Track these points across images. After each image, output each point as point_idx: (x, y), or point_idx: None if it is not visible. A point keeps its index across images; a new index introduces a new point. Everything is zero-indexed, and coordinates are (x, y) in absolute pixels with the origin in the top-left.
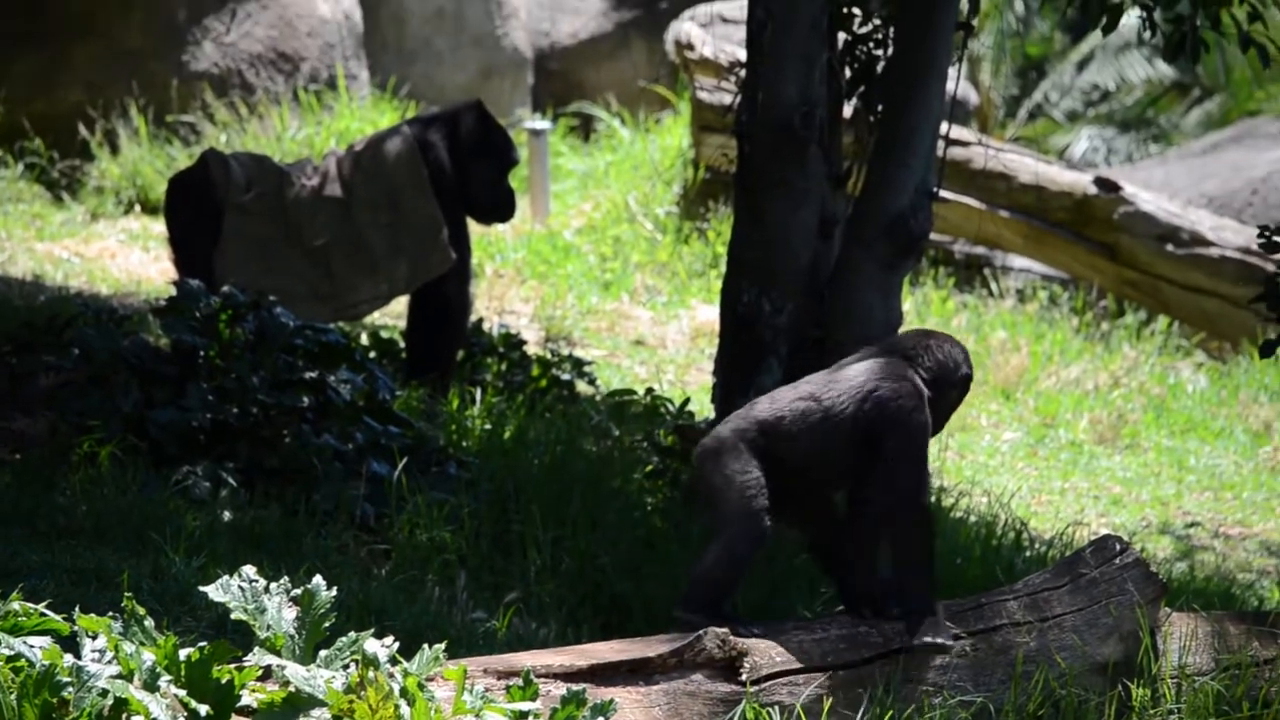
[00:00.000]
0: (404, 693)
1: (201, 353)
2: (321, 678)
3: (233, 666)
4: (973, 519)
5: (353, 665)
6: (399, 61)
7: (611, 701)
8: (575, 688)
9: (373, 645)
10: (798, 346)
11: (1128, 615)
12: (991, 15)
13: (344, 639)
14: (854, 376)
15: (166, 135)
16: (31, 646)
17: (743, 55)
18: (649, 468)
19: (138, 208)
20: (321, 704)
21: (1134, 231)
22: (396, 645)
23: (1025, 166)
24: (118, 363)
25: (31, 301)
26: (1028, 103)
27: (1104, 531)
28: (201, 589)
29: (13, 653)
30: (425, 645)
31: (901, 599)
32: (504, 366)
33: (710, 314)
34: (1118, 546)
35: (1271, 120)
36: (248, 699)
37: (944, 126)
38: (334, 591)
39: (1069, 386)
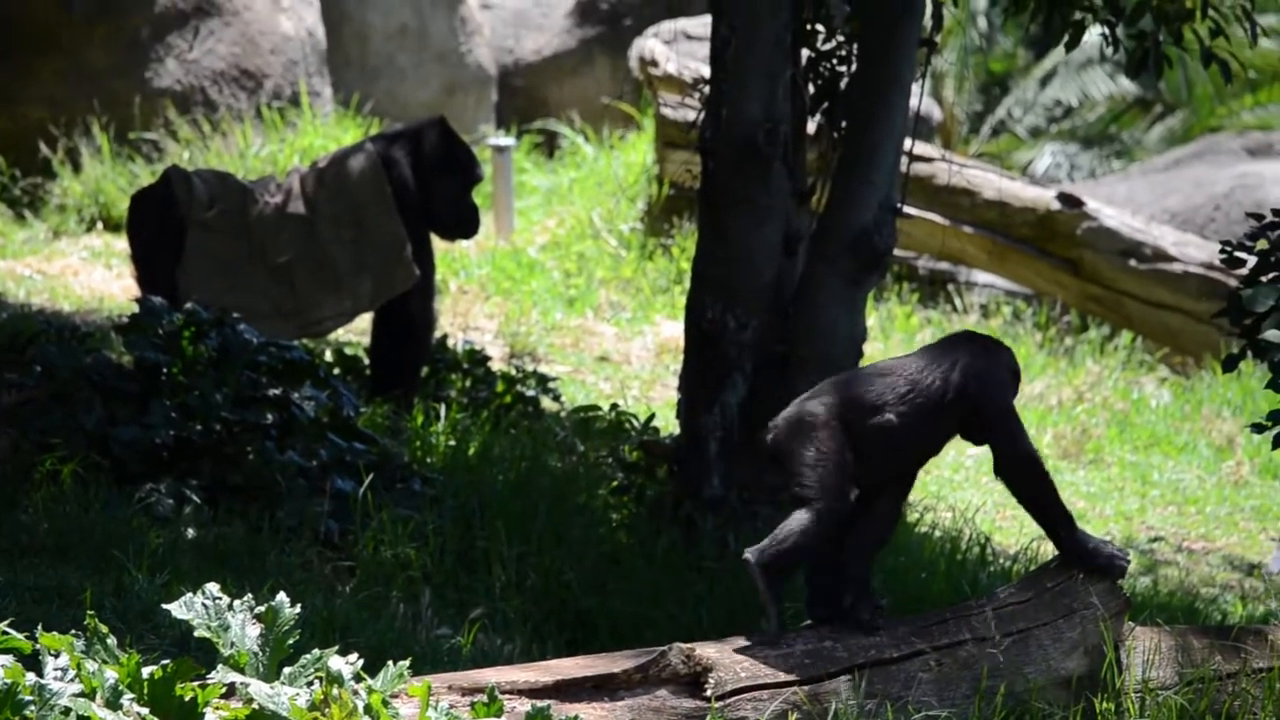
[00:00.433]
0: (368, 710)
1: (164, 370)
2: (285, 695)
3: (196, 684)
4: (937, 534)
5: (317, 682)
6: (362, 78)
7: (576, 717)
8: (540, 704)
9: (337, 662)
10: (762, 362)
11: (1092, 630)
12: (955, 32)
13: (308, 656)
14: (932, 352)
15: (129, 152)
16: None
17: (707, 72)
18: (614, 484)
19: (100, 225)
20: None
21: (1097, 247)
22: (361, 662)
23: (989, 182)
24: (80, 380)
25: None
26: (991, 119)
27: None
28: (165, 606)
29: None
30: (390, 662)
31: (1058, 541)
32: (469, 383)
33: (675, 330)
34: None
35: (1234, 136)
36: (211, 717)
37: (907, 143)
38: (298, 608)
39: (1033, 401)
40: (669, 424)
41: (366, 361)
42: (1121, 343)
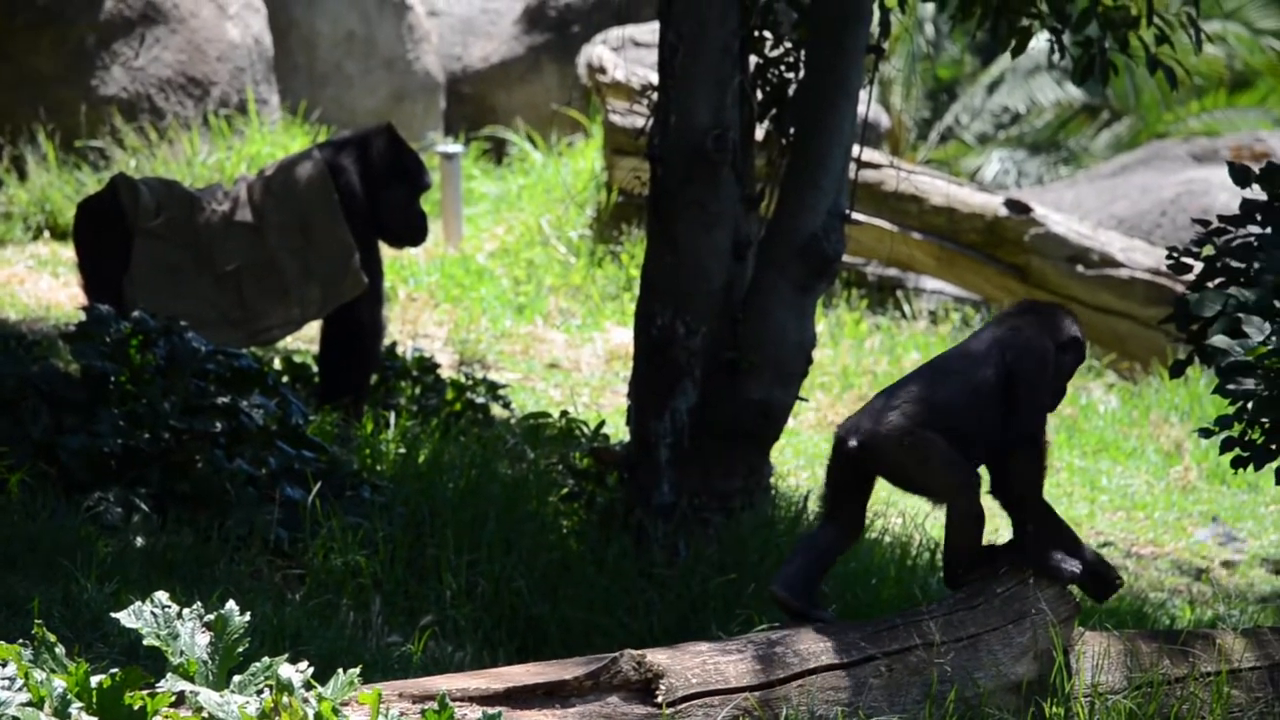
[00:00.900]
0: (319, 718)
1: (112, 378)
2: (235, 703)
3: (145, 693)
4: (888, 539)
5: (267, 691)
6: (310, 85)
7: None
8: (491, 711)
9: (287, 670)
10: (712, 369)
11: (1042, 635)
12: (902, 39)
13: (258, 664)
14: (980, 343)
15: (75, 160)
16: None
17: (655, 78)
18: (564, 491)
19: (46, 233)
20: None
21: (1045, 253)
22: (311, 670)
23: (937, 189)
24: (27, 389)
25: None
26: (939, 125)
27: None
28: (113, 615)
29: None
30: (340, 670)
31: (1019, 532)
32: (418, 390)
33: (624, 337)
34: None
35: (1180, 142)
36: None
37: (856, 149)
38: (247, 617)
39: None
40: (619, 431)
41: (316, 369)
42: None
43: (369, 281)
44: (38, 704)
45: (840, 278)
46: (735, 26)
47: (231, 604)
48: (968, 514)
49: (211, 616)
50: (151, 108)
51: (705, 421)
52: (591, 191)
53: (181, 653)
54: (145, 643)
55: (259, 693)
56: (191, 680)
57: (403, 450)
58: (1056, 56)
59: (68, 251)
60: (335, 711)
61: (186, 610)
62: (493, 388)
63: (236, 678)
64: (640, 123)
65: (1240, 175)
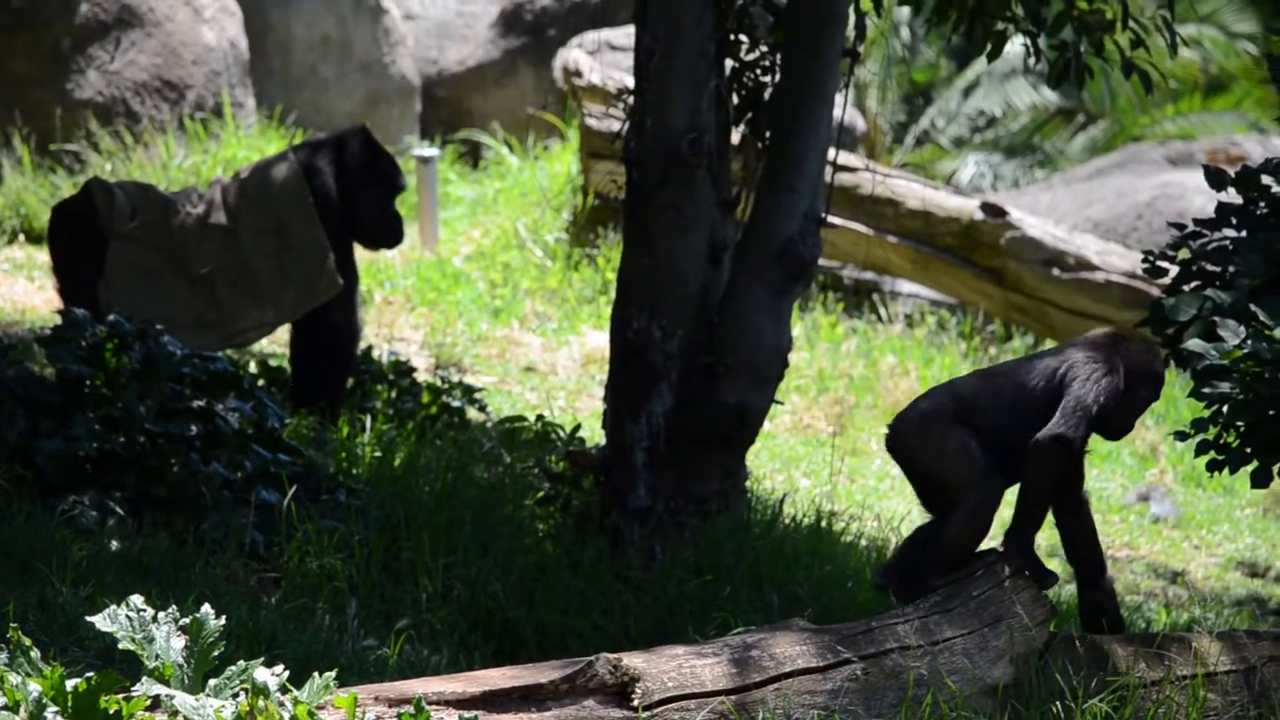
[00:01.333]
0: None
1: (87, 382)
2: (211, 707)
3: (120, 696)
4: (863, 543)
5: (242, 694)
6: (285, 89)
7: None
8: (467, 715)
9: (262, 674)
10: (688, 372)
11: (1018, 638)
12: (877, 42)
13: (233, 668)
14: (1047, 360)
15: (50, 164)
16: None
17: (631, 82)
18: (540, 494)
19: (22, 237)
20: None
21: (1021, 256)
22: (287, 673)
23: (913, 192)
24: (2, 392)
25: None
26: (915, 129)
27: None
28: (89, 619)
29: None
30: (316, 673)
31: (1009, 533)
32: (394, 394)
33: (601, 340)
34: (1007, 570)
35: (1155, 146)
36: None
37: (832, 152)
38: (223, 620)
39: None
40: (595, 434)
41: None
42: None
43: (344, 284)
44: (13, 708)
45: (816, 281)
46: (711, 30)
47: (207, 607)
48: (973, 512)
49: (187, 620)
50: (127, 111)
51: (681, 425)
52: (568, 195)
53: (157, 656)
54: (121, 646)
55: (234, 696)
56: (167, 684)
57: (379, 454)
58: (1032, 60)
59: (43, 255)
60: (311, 715)
61: (162, 614)
62: (469, 391)
63: (212, 681)
64: (616, 126)
65: (1215, 179)
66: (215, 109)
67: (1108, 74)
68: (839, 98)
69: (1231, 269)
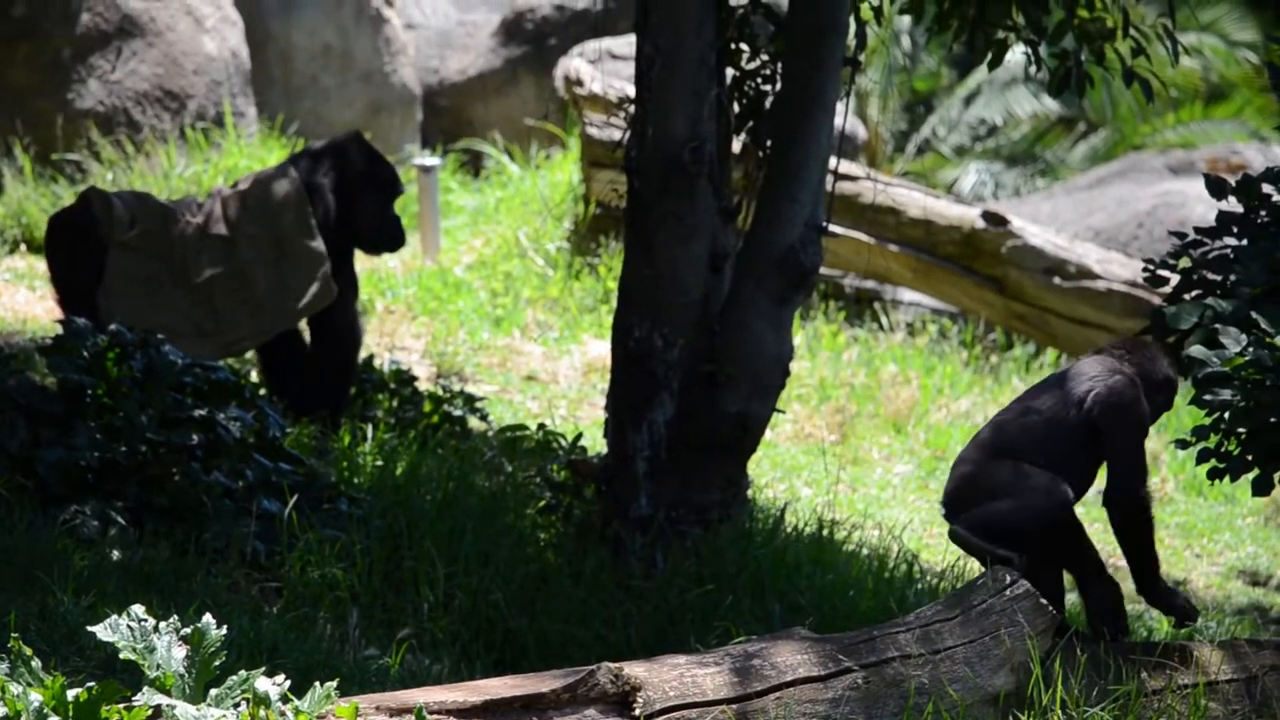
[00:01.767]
0: None
1: (89, 391)
2: (212, 717)
3: (122, 707)
4: (865, 551)
5: (244, 704)
6: (286, 98)
7: None
8: None
9: (264, 683)
10: (690, 381)
11: (1019, 647)
12: (878, 51)
13: (235, 678)
14: (1071, 385)
15: (52, 174)
16: None
17: (632, 91)
18: (542, 503)
19: (23, 247)
20: None
21: (1022, 265)
22: (288, 683)
23: (914, 201)
24: (4, 402)
25: None
26: (916, 138)
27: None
28: (90, 629)
29: None
30: (317, 683)
31: (1140, 582)
32: (395, 403)
33: (602, 349)
34: (1008, 578)
35: (1156, 154)
36: None
37: (833, 161)
38: (224, 630)
39: (959, 419)
40: (597, 443)
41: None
42: (1047, 360)
43: (344, 292)
44: (14, 718)
45: (817, 290)
46: (712, 38)
47: (208, 617)
48: (1036, 498)
49: (188, 630)
50: (128, 121)
51: (683, 434)
52: (569, 204)
53: (158, 666)
54: (122, 656)
55: (236, 706)
56: (168, 694)
57: (380, 463)
58: (1033, 69)
59: (44, 265)
60: None
61: (163, 623)
62: (470, 400)
63: (213, 691)
64: (617, 135)
65: (1216, 187)
66: (216, 118)
67: (1109, 82)
68: (840, 106)
69: (1232, 277)
